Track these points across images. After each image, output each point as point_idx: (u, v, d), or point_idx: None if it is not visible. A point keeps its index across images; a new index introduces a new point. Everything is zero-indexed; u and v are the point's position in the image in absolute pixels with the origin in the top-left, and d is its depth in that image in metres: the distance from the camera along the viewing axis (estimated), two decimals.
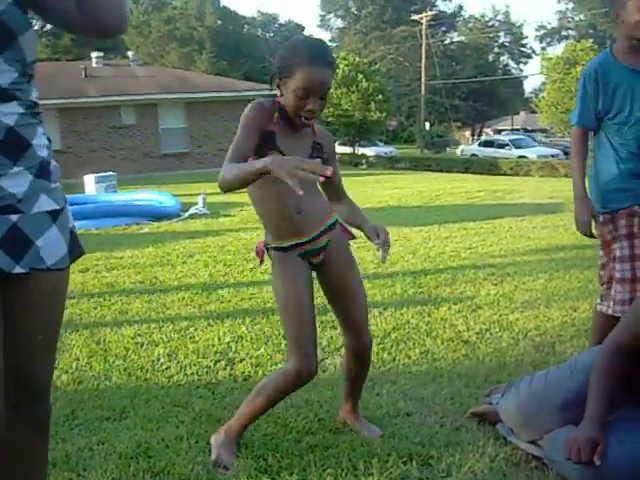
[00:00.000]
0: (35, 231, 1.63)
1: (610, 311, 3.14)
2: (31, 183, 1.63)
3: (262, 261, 2.77)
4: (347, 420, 3.03)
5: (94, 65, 29.42)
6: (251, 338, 4.31)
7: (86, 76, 27.16)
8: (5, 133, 1.56)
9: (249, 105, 2.57)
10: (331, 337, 4.28)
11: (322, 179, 2.04)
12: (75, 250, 1.77)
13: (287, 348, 2.69)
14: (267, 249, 2.72)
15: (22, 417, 1.75)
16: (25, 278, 1.63)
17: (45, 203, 1.66)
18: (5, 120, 1.57)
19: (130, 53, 35.61)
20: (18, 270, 1.61)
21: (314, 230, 2.65)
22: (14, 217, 1.59)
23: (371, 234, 2.68)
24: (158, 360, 3.98)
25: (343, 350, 4.01)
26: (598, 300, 3.31)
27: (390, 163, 32.81)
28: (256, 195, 2.64)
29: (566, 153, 36.10)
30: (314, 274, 2.76)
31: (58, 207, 1.70)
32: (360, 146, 38.14)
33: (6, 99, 1.57)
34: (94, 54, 30.82)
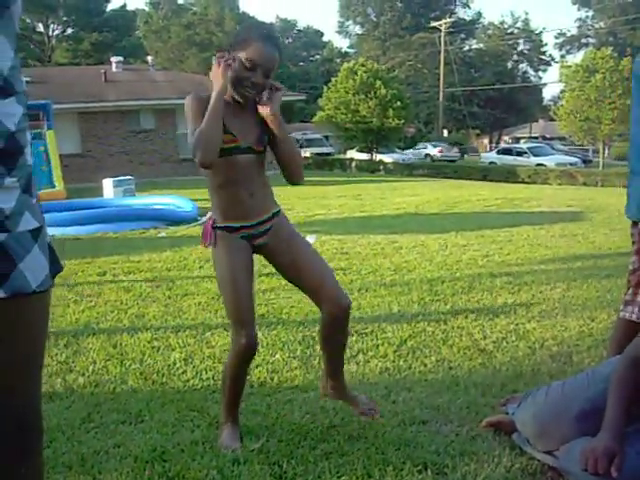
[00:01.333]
0: (20, 252, 1.46)
1: (634, 317, 3.09)
2: (19, 198, 1.46)
3: (211, 243, 2.84)
4: (333, 397, 3.09)
5: (114, 70, 29.61)
6: (267, 344, 4.32)
7: (106, 81, 27.35)
8: (6, 139, 1.38)
9: (188, 97, 2.75)
10: (348, 343, 4.27)
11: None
12: (55, 268, 1.65)
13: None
14: (214, 229, 2.82)
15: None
16: (7, 303, 1.46)
17: (28, 221, 1.50)
18: (7, 123, 1.38)
19: (149, 58, 35.83)
20: (1, 295, 1.44)
21: (261, 215, 2.81)
22: (2, 236, 1.42)
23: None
24: (174, 364, 3.99)
25: (360, 356, 4.02)
26: (621, 306, 3.25)
27: (408, 170, 32.78)
28: (213, 181, 2.78)
29: (585, 161, 36.00)
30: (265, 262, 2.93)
31: (39, 225, 1.56)
32: (378, 152, 38.14)
33: (6, 93, 1.37)
34: (114, 59, 31.02)
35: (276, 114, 2.74)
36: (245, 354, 2.81)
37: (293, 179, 2.87)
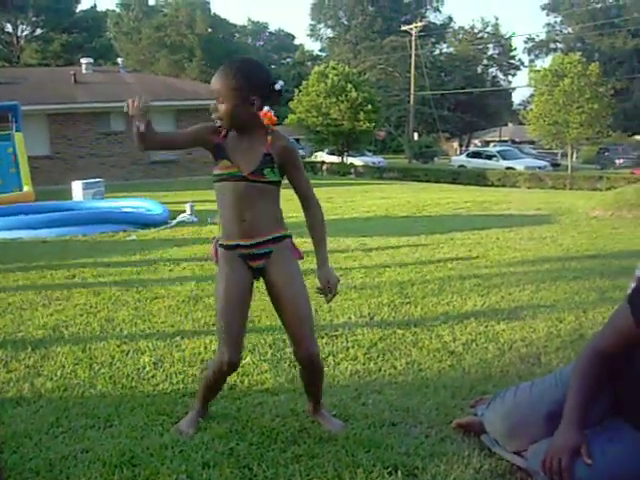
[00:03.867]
0: None
1: None
2: None
3: (217, 259, 3.00)
4: (311, 415, 3.18)
5: (84, 71, 29.35)
6: None
7: (76, 82, 27.10)
8: None
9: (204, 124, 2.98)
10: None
11: None
12: None
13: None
14: (219, 246, 2.97)
15: None
16: None
17: None
18: None
19: (120, 60, 35.57)
20: None
21: (255, 238, 2.87)
22: None
23: (322, 280, 2.94)
24: (144, 368, 3.96)
25: (330, 359, 4.02)
26: None
27: (378, 173, 32.89)
28: (217, 195, 2.92)
29: (553, 165, 36.37)
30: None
31: None
32: (349, 156, 38.20)
33: None
34: (84, 60, 30.75)
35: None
36: (224, 370, 2.94)
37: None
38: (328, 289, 2.91)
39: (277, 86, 2.81)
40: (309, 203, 2.99)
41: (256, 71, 2.84)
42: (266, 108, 2.87)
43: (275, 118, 2.93)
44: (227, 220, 2.90)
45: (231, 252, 2.91)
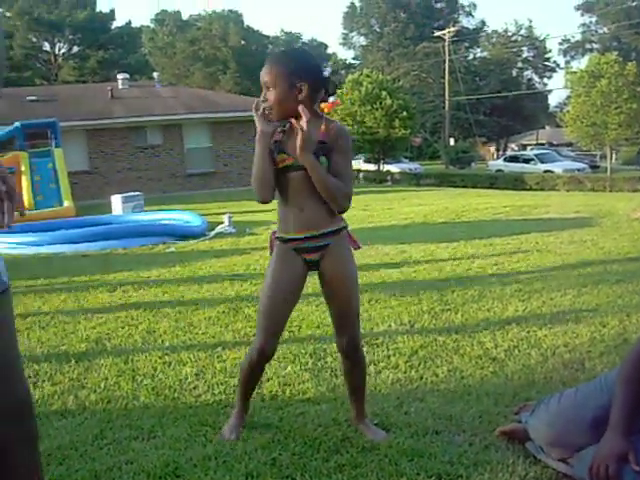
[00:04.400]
0: None
1: None
2: None
3: (272, 251, 3.03)
4: (354, 424, 3.17)
5: (120, 87, 29.74)
6: (278, 357, 4.30)
7: (112, 97, 27.47)
8: None
9: None
10: None
11: None
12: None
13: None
14: (275, 238, 3.00)
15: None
16: None
17: None
18: None
19: (155, 74, 36.01)
20: None
21: (310, 230, 2.88)
22: None
23: None
24: (186, 379, 3.99)
25: (371, 368, 4.01)
26: None
27: (415, 179, 32.80)
28: (277, 190, 2.91)
29: (592, 167, 35.94)
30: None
31: None
32: (385, 163, 38.13)
33: None
34: (120, 76, 31.16)
35: (301, 153, 2.78)
36: (256, 358, 2.99)
37: (333, 207, 2.89)
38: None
39: (326, 73, 2.88)
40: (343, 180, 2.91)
41: (302, 57, 2.90)
42: (331, 99, 2.95)
43: (332, 104, 3.02)
44: (285, 212, 2.92)
45: (286, 245, 2.93)
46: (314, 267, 2.98)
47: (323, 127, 2.83)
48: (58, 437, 3.18)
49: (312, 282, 6.00)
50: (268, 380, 3.88)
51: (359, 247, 3.07)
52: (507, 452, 2.86)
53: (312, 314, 5.37)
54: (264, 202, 2.87)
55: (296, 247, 2.92)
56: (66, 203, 16.77)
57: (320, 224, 2.89)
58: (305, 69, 2.81)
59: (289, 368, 4.09)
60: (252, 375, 3.10)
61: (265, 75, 2.83)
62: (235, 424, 3.16)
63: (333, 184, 2.80)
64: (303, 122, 2.75)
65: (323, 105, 2.96)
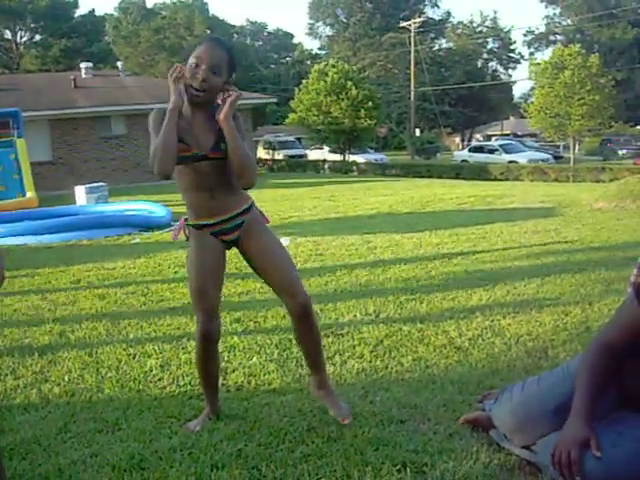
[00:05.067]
0: None
1: None
2: None
3: (176, 237, 3.17)
4: (317, 396, 3.19)
5: (83, 76, 29.38)
6: (243, 347, 4.31)
7: (76, 87, 27.13)
8: None
9: (150, 113, 2.96)
10: (323, 345, 4.27)
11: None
12: None
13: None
14: (187, 225, 3.05)
15: None
16: None
17: None
18: None
19: (119, 63, 35.57)
20: None
21: (224, 214, 2.96)
22: None
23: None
24: (151, 371, 3.97)
25: (337, 357, 4.02)
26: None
27: (381, 170, 32.85)
28: (180, 183, 2.97)
29: (556, 157, 36.30)
30: (235, 254, 3.15)
31: None
32: (350, 153, 38.14)
33: None
34: (83, 65, 30.78)
35: (225, 118, 2.80)
36: (202, 339, 3.03)
37: (242, 182, 2.92)
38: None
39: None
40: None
41: (234, 50, 3.00)
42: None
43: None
44: (194, 201, 2.97)
45: (201, 231, 3.00)
46: (232, 245, 3.08)
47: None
48: (21, 431, 3.15)
49: None
50: (233, 371, 3.88)
51: (268, 221, 3.15)
52: (471, 440, 2.88)
53: (277, 304, 5.36)
54: (166, 176, 2.81)
55: (212, 231, 2.99)
56: (29, 194, 16.55)
57: (231, 207, 2.97)
58: (236, 63, 2.96)
59: (254, 359, 4.08)
60: (206, 360, 3.10)
61: (214, 57, 2.81)
62: (202, 418, 3.18)
63: (247, 154, 2.85)
64: (235, 93, 2.84)
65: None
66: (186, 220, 3.06)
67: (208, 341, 3.04)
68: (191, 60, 2.81)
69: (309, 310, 3.03)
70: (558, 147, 44.33)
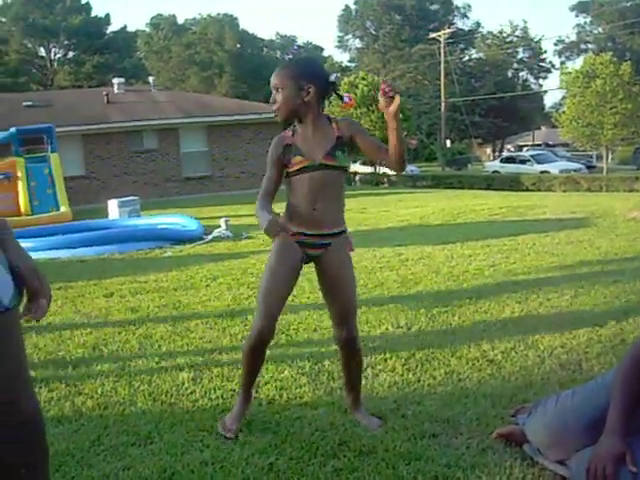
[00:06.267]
0: None
1: None
2: None
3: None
4: (350, 411, 3.33)
5: (116, 91, 29.69)
6: (275, 361, 4.30)
7: (108, 102, 27.42)
8: None
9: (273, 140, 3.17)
10: None
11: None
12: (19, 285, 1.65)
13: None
14: None
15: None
16: None
17: None
18: None
19: (151, 78, 35.90)
20: None
21: (321, 228, 3.09)
22: None
23: None
24: (183, 384, 3.98)
25: (369, 371, 4.01)
26: None
27: (412, 181, 32.79)
28: (288, 188, 3.14)
29: (588, 167, 35.96)
30: (311, 269, 3.26)
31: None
32: (381, 165, 38.10)
33: None
34: (116, 80, 31.10)
35: (393, 115, 2.95)
36: (255, 339, 3.10)
37: (397, 167, 3.11)
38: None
39: (332, 77, 3.09)
40: (383, 148, 3.12)
41: (310, 62, 3.20)
42: (346, 99, 3.17)
43: (350, 102, 3.19)
44: (297, 209, 3.09)
45: (290, 237, 3.07)
46: (311, 261, 3.19)
47: (336, 125, 3.11)
48: (55, 444, 3.17)
49: (309, 286, 5.99)
50: (265, 384, 3.88)
51: (352, 249, 3.24)
52: (504, 454, 2.85)
53: (309, 317, 5.37)
54: None
55: (300, 240, 3.10)
56: (63, 208, 16.76)
57: (328, 224, 3.11)
58: (312, 73, 3.07)
59: (286, 372, 4.08)
60: (253, 358, 3.19)
61: (274, 78, 3.05)
62: (237, 412, 3.28)
63: (405, 146, 3.07)
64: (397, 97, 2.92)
65: (343, 104, 3.19)
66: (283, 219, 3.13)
67: (260, 341, 3.11)
68: None
69: (355, 346, 3.22)
70: (591, 156, 43.92)
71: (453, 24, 67.13)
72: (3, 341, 1.62)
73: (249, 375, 3.28)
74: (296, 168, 3.05)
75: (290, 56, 3.12)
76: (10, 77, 52.25)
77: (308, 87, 3.01)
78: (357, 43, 77.33)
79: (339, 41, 78.21)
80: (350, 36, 77.04)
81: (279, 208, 2.99)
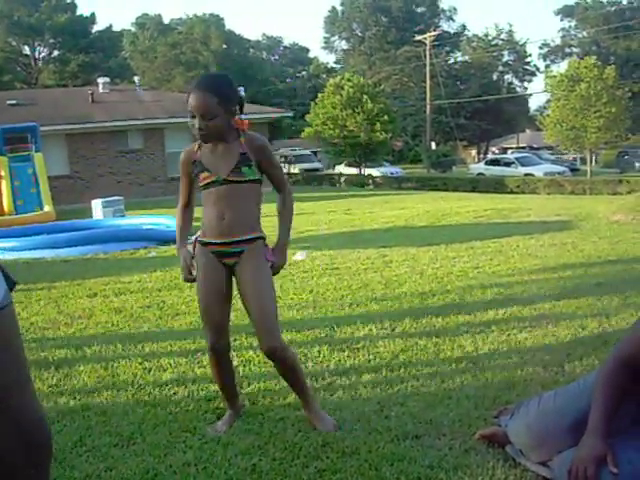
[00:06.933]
0: None
1: None
2: None
3: (193, 251, 3.27)
4: (305, 415, 3.29)
5: (101, 90, 29.60)
6: (259, 362, 4.30)
7: (93, 101, 27.33)
8: None
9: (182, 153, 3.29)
10: (339, 360, 4.27)
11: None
12: (10, 282, 1.64)
13: None
14: (197, 241, 3.24)
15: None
16: None
17: None
18: None
19: (136, 78, 35.82)
20: None
21: (229, 237, 3.10)
22: None
23: (275, 257, 3.22)
24: (166, 385, 3.97)
25: (352, 372, 4.01)
26: None
27: (397, 183, 32.85)
28: (204, 201, 3.19)
29: (572, 170, 36.15)
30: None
31: None
32: (366, 167, 38.18)
33: None
34: (101, 80, 31.02)
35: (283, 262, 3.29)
36: (213, 356, 3.22)
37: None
38: (273, 267, 3.20)
39: (241, 92, 3.17)
40: (283, 193, 3.30)
41: (229, 83, 3.10)
42: (243, 116, 3.15)
43: (247, 122, 3.19)
44: (207, 219, 3.15)
45: (206, 249, 3.17)
46: (232, 272, 3.19)
47: (243, 141, 3.10)
48: None
49: (292, 287, 5.99)
50: (248, 385, 3.87)
51: (270, 260, 3.20)
52: (487, 455, 2.87)
53: (292, 318, 5.37)
54: None
55: (213, 250, 3.15)
56: (46, 208, 16.68)
57: (236, 232, 3.11)
58: (234, 95, 3.07)
59: (269, 373, 4.07)
60: (219, 371, 3.27)
61: (200, 103, 2.96)
62: (227, 418, 3.34)
63: (291, 216, 3.35)
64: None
65: (238, 121, 3.14)
66: (197, 238, 3.24)
67: (216, 356, 3.21)
68: (188, 107, 3.00)
69: (278, 354, 3.12)
70: (575, 160, 44.17)
71: (439, 27, 67.24)
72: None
73: (222, 386, 3.35)
74: (204, 183, 3.12)
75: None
76: None
77: (234, 109, 3.07)
78: (343, 45, 77.54)
79: (325, 42, 78.37)
80: (336, 37, 77.17)
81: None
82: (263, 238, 3.20)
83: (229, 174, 3.06)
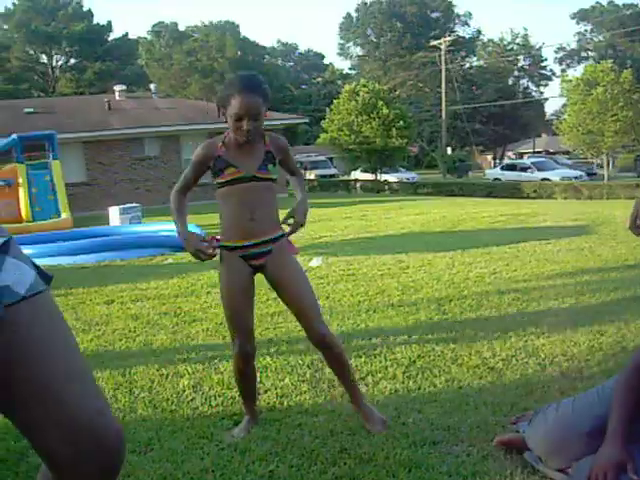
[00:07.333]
0: None
1: None
2: None
3: (214, 249, 3.13)
4: (355, 410, 3.33)
5: (117, 98, 29.79)
6: (275, 368, 4.31)
7: (110, 109, 27.50)
8: None
9: (200, 145, 3.23)
10: (356, 366, 4.26)
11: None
12: (45, 275, 1.55)
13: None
14: (220, 247, 3.17)
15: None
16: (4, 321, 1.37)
17: None
18: None
19: (152, 86, 36.01)
20: None
21: (259, 237, 3.11)
22: None
23: (290, 213, 3.26)
24: (183, 392, 3.98)
25: (369, 378, 4.01)
26: None
27: (412, 189, 32.81)
28: (224, 204, 3.15)
29: (589, 174, 35.98)
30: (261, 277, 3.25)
31: (5, 238, 1.45)
32: (382, 172, 38.16)
33: None
34: (117, 87, 31.22)
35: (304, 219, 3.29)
36: (239, 359, 3.24)
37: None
38: (298, 217, 3.24)
39: None
40: (299, 175, 3.48)
41: (265, 81, 3.14)
42: None
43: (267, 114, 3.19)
44: (233, 220, 3.13)
45: (232, 253, 3.14)
46: (259, 271, 3.20)
47: (267, 140, 3.18)
48: None
49: None
50: (266, 392, 3.87)
51: (297, 252, 3.31)
52: (505, 462, 2.85)
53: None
54: None
55: (242, 254, 3.13)
56: (64, 215, 16.77)
57: (265, 232, 3.13)
58: (269, 96, 3.10)
59: (287, 380, 4.08)
60: (244, 376, 3.32)
61: (257, 105, 2.99)
62: (245, 425, 3.34)
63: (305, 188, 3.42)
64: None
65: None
66: (218, 241, 3.15)
67: (245, 361, 3.24)
68: (232, 111, 2.97)
69: (327, 340, 3.18)
70: (591, 164, 43.94)
71: (454, 32, 67.24)
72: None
73: (244, 390, 3.38)
74: (229, 179, 3.09)
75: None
76: (12, 84, 52.42)
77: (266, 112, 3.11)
78: (358, 51, 77.42)
79: (340, 49, 78.31)
80: (351, 44, 77.12)
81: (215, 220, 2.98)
82: (284, 234, 3.24)
83: (257, 170, 3.09)
